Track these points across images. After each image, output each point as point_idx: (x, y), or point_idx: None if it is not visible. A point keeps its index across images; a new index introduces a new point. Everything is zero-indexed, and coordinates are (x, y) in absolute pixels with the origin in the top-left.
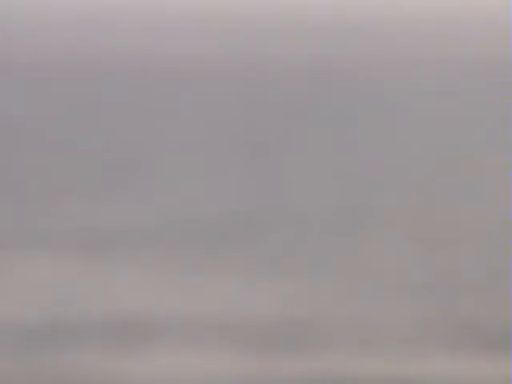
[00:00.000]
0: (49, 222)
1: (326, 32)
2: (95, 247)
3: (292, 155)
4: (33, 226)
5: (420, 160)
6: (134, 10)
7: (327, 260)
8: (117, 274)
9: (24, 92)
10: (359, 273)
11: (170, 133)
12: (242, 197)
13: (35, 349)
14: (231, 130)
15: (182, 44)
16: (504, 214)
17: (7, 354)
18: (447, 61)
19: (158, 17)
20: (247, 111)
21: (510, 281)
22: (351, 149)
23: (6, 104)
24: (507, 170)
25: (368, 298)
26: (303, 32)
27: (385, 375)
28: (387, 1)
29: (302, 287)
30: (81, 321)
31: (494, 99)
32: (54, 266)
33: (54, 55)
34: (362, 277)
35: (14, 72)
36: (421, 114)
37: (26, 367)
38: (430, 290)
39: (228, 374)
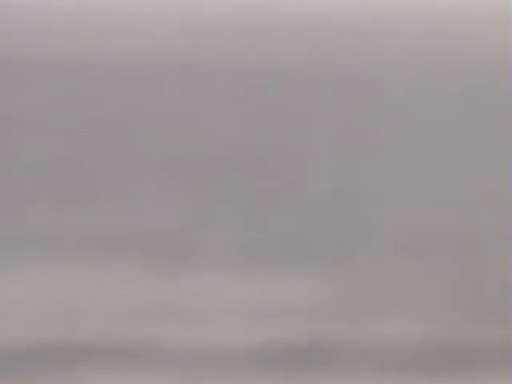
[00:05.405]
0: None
1: (326, 31)
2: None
3: (291, 153)
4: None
5: (419, 158)
6: (134, 10)
7: (326, 256)
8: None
9: (23, 92)
10: (358, 275)
11: (168, 134)
12: (244, 187)
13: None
14: (229, 129)
15: (182, 45)
16: (504, 213)
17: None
18: (447, 60)
19: (158, 17)
20: (246, 108)
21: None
22: (350, 148)
23: (5, 104)
24: (507, 169)
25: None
26: (302, 31)
27: None
28: (386, 0)
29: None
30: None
31: (494, 99)
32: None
33: (54, 55)
34: (360, 278)
35: (13, 72)
36: (420, 113)
37: None
38: (431, 293)
39: None
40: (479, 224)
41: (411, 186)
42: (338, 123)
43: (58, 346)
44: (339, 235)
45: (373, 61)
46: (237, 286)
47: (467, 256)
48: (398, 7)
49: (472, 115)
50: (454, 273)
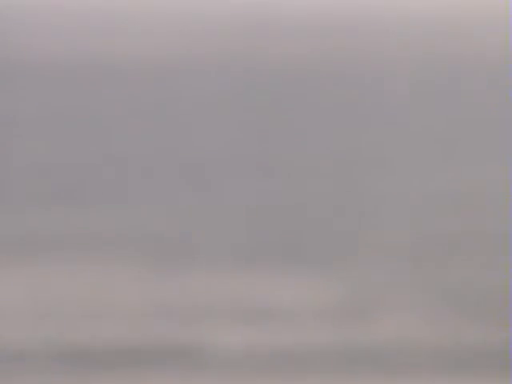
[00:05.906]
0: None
1: (326, 31)
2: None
3: (290, 152)
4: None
5: (419, 158)
6: (134, 10)
7: (327, 257)
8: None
9: (23, 92)
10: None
11: (168, 134)
12: (247, 194)
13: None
14: (229, 129)
15: (182, 45)
16: (504, 213)
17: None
18: (447, 60)
19: (158, 18)
20: (246, 108)
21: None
22: (350, 149)
23: (5, 104)
24: (507, 168)
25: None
26: (303, 31)
27: None
28: (386, 0)
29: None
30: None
31: (494, 99)
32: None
33: (54, 56)
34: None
35: (12, 72)
36: (420, 113)
37: None
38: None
39: None
40: (479, 224)
41: (411, 185)
42: (339, 123)
43: (58, 346)
44: (339, 235)
45: (373, 61)
46: (236, 285)
47: (467, 256)
48: (398, 7)
49: (472, 115)
50: (453, 273)
